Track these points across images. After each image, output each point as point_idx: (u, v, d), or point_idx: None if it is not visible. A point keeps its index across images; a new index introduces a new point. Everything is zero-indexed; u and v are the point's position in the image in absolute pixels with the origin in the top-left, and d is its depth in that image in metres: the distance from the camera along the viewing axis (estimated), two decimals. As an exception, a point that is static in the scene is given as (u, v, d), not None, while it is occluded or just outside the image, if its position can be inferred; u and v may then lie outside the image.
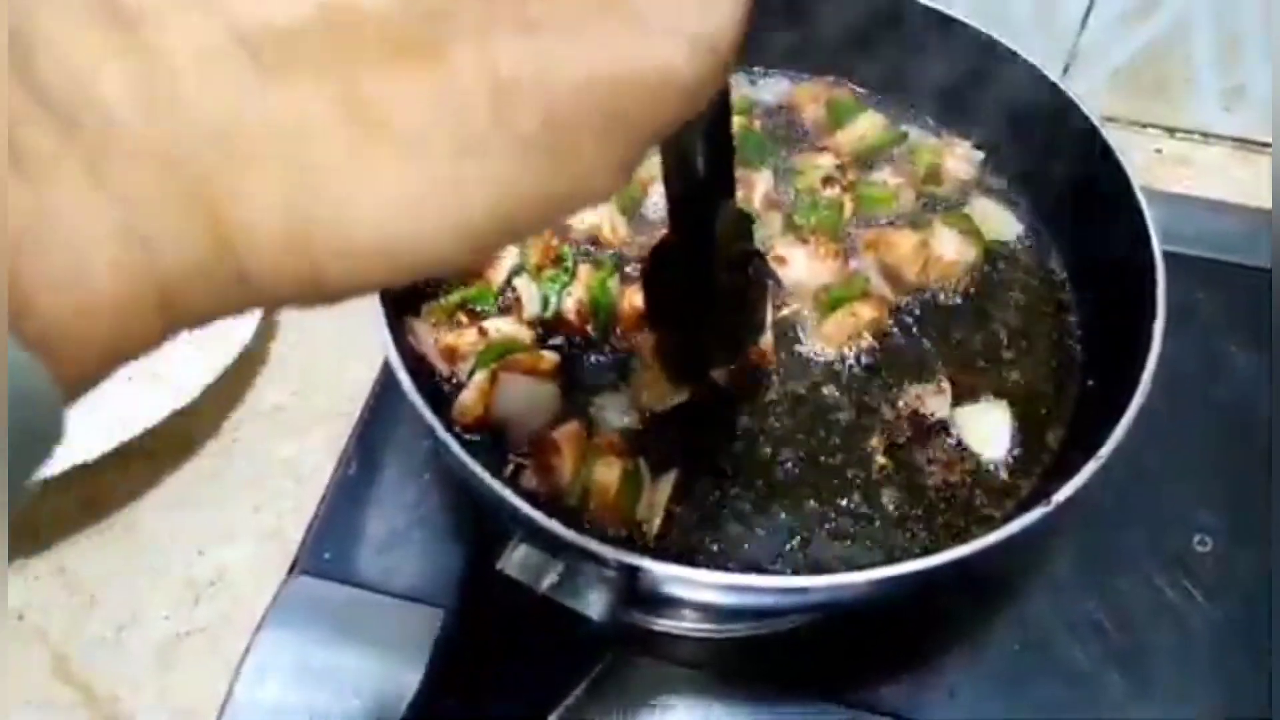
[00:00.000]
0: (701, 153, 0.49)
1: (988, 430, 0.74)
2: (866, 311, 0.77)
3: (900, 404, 0.74)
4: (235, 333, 0.84)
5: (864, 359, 0.77)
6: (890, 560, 0.67)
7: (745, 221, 0.60)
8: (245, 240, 0.27)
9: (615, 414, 0.72)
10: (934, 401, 0.74)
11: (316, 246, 0.28)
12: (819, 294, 0.77)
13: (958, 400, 0.75)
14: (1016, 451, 0.73)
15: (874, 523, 0.70)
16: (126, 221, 0.26)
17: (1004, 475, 0.72)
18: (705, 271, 0.56)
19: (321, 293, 0.30)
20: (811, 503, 0.70)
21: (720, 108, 0.48)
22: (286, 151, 0.27)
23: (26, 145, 0.25)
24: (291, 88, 0.27)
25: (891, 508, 0.70)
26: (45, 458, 0.26)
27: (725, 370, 0.73)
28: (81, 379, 0.27)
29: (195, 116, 0.26)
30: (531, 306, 0.76)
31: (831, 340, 0.76)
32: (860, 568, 0.59)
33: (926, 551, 0.65)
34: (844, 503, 0.70)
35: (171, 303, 0.27)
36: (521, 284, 0.77)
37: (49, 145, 0.25)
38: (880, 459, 0.72)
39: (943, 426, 0.74)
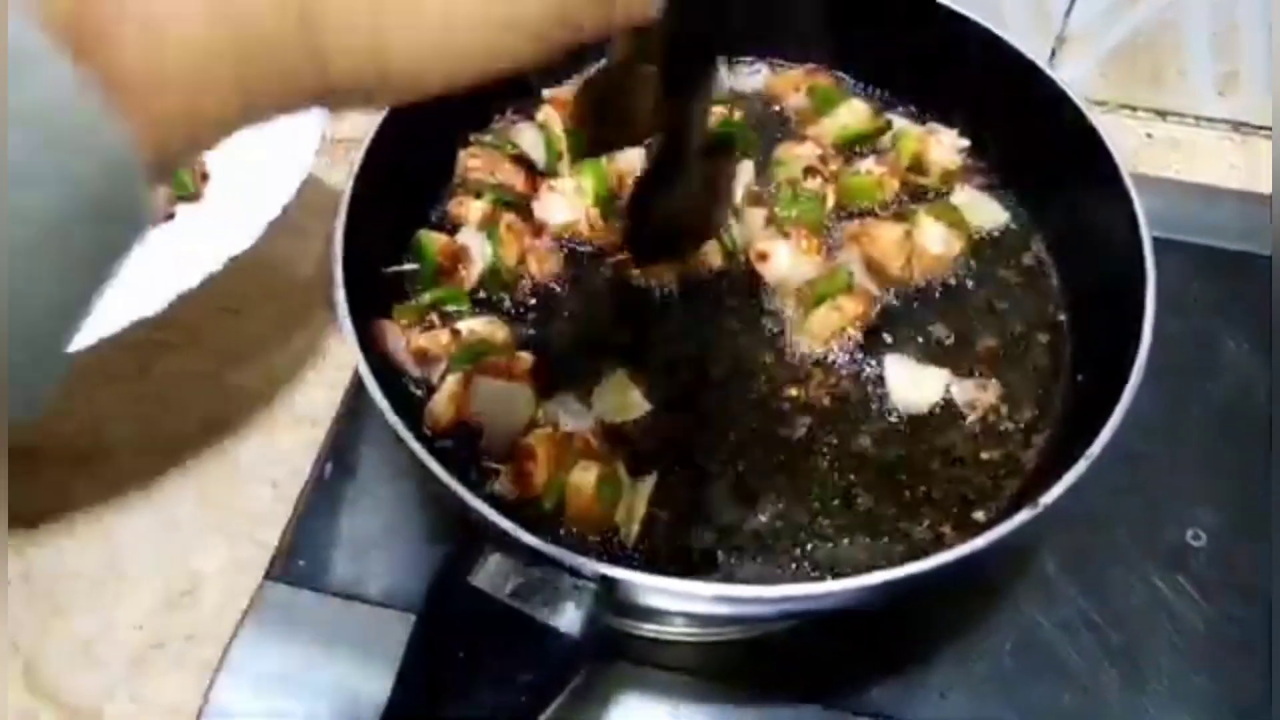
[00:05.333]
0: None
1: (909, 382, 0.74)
2: (851, 306, 0.75)
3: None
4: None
5: (849, 355, 0.75)
6: (878, 560, 0.67)
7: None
8: (322, 17, 0.28)
9: (568, 418, 0.71)
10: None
11: (385, 19, 0.29)
12: (802, 290, 0.76)
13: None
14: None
15: (854, 519, 0.69)
16: None
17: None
18: (682, 140, 0.59)
19: (383, 79, 0.31)
20: (796, 503, 0.69)
21: None
22: None
23: None
24: None
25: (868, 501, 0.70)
26: (125, 246, 0.26)
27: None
28: (160, 150, 0.26)
29: None
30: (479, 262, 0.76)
31: (817, 337, 0.75)
32: (845, 574, 0.57)
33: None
34: (825, 501, 0.69)
35: (247, 79, 0.28)
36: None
37: None
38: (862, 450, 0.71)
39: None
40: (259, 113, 0.29)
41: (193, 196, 0.86)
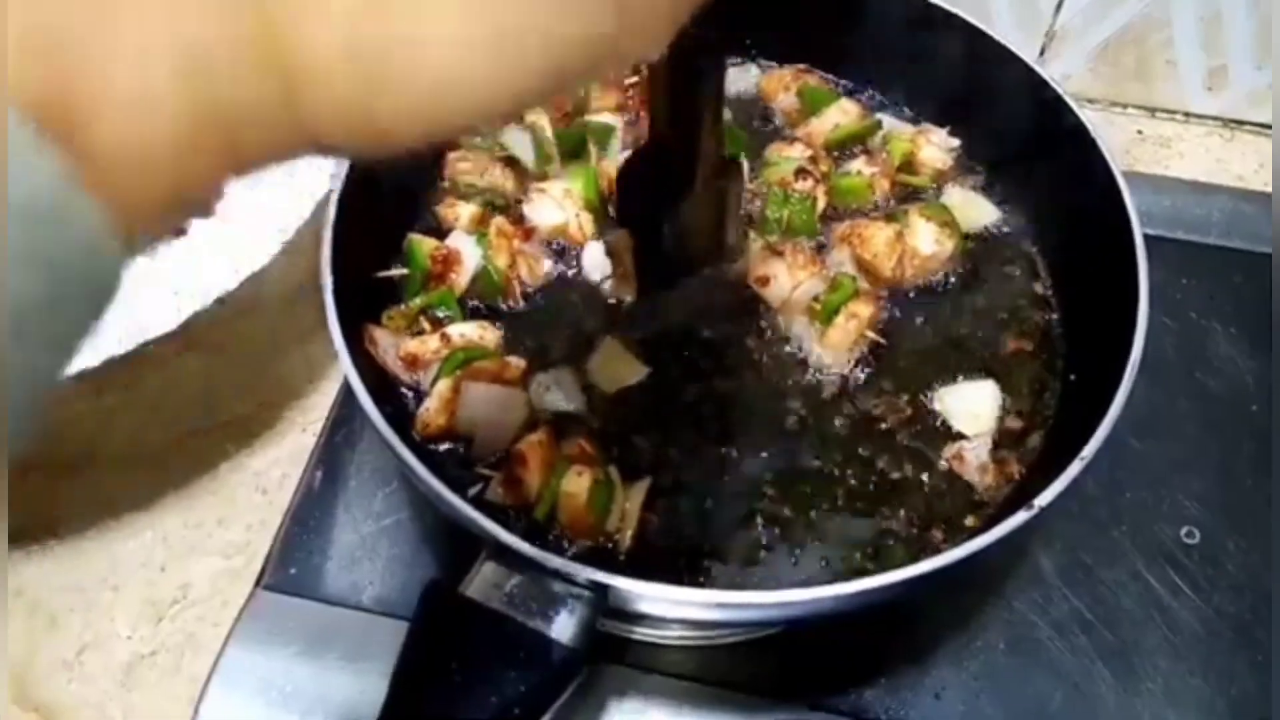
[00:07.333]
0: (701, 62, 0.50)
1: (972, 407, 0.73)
2: (864, 309, 0.74)
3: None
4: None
5: (875, 357, 0.75)
6: (873, 563, 0.66)
7: (722, 130, 0.60)
8: (306, 78, 0.27)
9: (559, 395, 0.70)
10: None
11: (374, 87, 0.28)
12: (812, 306, 0.75)
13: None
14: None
15: (849, 522, 0.68)
16: (188, 45, 0.25)
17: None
18: (689, 168, 0.57)
19: (374, 139, 0.30)
20: (791, 507, 0.69)
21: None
22: None
23: None
24: None
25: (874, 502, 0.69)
26: (93, 315, 0.26)
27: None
28: (146, 220, 0.26)
29: None
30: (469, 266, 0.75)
31: (839, 347, 0.74)
32: (840, 578, 0.57)
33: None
34: (820, 505, 0.69)
35: (236, 144, 0.27)
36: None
37: None
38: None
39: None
40: (250, 171, 0.29)
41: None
